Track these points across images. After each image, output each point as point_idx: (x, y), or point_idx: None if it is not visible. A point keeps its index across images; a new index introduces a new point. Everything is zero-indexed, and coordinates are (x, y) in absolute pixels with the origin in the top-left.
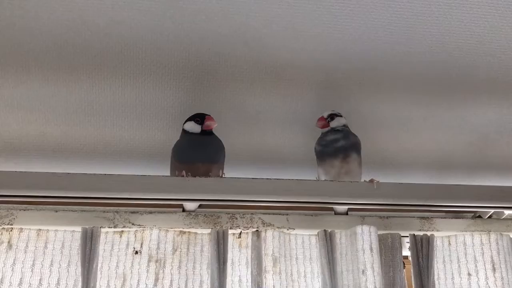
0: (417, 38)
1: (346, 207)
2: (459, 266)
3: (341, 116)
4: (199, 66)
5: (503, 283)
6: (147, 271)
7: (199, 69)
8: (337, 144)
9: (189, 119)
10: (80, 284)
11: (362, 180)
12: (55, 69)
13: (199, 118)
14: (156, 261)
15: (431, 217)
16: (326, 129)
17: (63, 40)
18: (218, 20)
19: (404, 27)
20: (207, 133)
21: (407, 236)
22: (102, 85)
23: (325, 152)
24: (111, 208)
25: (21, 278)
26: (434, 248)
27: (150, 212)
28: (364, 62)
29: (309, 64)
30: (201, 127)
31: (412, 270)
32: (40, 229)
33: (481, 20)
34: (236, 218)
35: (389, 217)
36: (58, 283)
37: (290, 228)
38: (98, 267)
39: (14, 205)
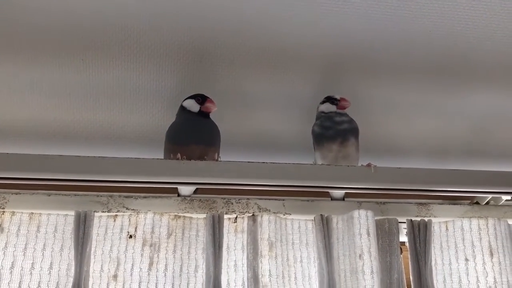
0: (416, 22)
1: (342, 192)
2: (456, 251)
3: None
4: (194, 49)
5: (500, 268)
6: (142, 255)
7: (194, 52)
8: (342, 126)
9: (190, 97)
10: (73, 268)
11: (360, 164)
12: (47, 52)
13: (200, 98)
14: (151, 245)
15: (428, 203)
16: (334, 110)
17: (55, 22)
18: (215, 3)
19: (403, 11)
20: (203, 115)
21: (404, 222)
22: (96, 68)
23: (324, 135)
24: (105, 192)
25: (13, 261)
26: (432, 234)
27: (145, 197)
28: (362, 46)
29: (307, 49)
30: (200, 108)
31: (409, 256)
32: (32, 213)
33: (480, 4)
34: (232, 203)
35: (386, 203)
36: (50, 267)
37: (286, 213)
38: (92, 251)
39: (6, 189)
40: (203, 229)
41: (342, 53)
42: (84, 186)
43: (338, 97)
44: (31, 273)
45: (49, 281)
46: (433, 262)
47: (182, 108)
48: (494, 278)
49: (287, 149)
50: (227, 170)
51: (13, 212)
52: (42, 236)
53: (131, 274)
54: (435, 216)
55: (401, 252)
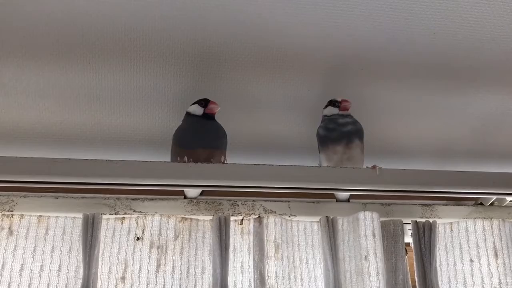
0: (419, 23)
1: (347, 194)
2: (461, 252)
3: None
4: (200, 52)
5: (505, 269)
6: (149, 257)
7: (200, 55)
8: (346, 128)
9: (194, 103)
10: (81, 270)
11: (365, 166)
12: (54, 55)
13: (203, 101)
14: (158, 247)
15: (433, 204)
16: (336, 112)
17: (62, 26)
18: (220, 6)
19: (407, 12)
20: (209, 118)
21: (409, 223)
22: (103, 71)
23: (329, 137)
24: (112, 195)
25: (22, 264)
26: (436, 235)
27: (152, 199)
28: (366, 48)
29: (311, 51)
30: (204, 110)
31: (414, 257)
32: (41, 216)
33: (484, 5)
34: (238, 205)
35: (391, 204)
36: (59, 269)
37: (291, 215)
38: (100, 254)
39: (14, 192)
40: (210, 231)
41: (346, 55)
42: (92, 189)
43: (339, 99)
44: (40, 275)
45: (58, 283)
46: (438, 263)
47: (187, 114)
48: (499, 279)
49: (292, 151)
50: (233, 172)
51: (22, 215)
52: (51, 238)
53: (139, 276)
54: (439, 217)
55: (406, 253)
